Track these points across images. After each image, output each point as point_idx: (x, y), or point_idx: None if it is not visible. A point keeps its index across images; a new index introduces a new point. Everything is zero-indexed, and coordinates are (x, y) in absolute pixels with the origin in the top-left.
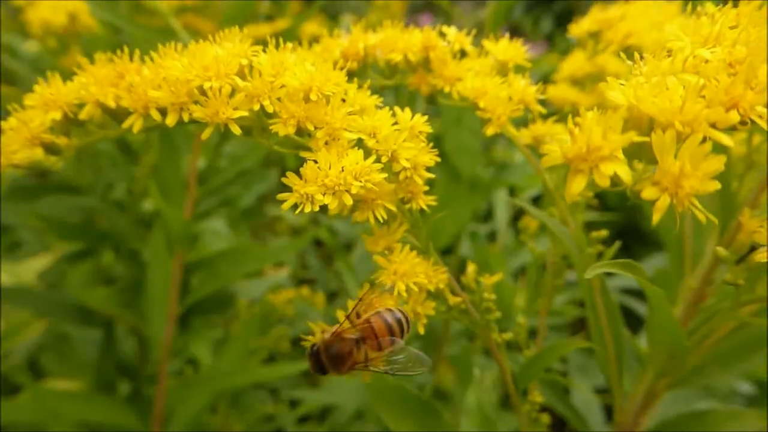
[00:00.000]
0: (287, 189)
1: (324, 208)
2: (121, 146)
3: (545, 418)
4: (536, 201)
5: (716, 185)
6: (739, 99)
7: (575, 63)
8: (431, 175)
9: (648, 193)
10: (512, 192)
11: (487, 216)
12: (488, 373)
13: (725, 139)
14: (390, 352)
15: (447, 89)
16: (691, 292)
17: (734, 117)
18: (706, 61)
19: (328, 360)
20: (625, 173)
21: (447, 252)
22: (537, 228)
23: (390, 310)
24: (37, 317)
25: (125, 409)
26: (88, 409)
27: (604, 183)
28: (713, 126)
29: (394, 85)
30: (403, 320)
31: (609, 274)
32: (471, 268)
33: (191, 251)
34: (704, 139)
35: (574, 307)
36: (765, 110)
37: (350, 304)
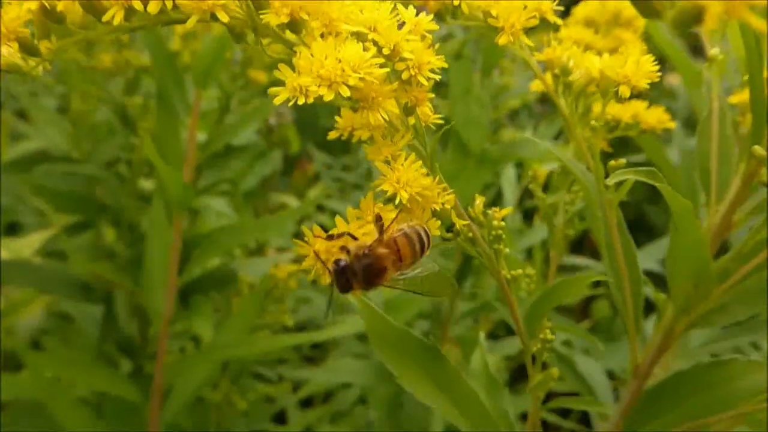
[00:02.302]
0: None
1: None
2: (120, 115)
3: (554, 371)
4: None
5: None
6: None
7: (590, 5)
8: (437, 77)
9: None
10: (521, 174)
11: (496, 201)
12: (493, 356)
13: None
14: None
15: (456, 2)
16: (716, 222)
17: None
18: None
19: (362, 274)
20: None
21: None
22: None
23: (413, 227)
24: (37, 292)
25: (126, 383)
26: (88, 379)
27: None
28: None
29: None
30: (425, 237)
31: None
32: (479, 200)
33: (192, 226)
34: None
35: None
36: None
37: (353, 213)
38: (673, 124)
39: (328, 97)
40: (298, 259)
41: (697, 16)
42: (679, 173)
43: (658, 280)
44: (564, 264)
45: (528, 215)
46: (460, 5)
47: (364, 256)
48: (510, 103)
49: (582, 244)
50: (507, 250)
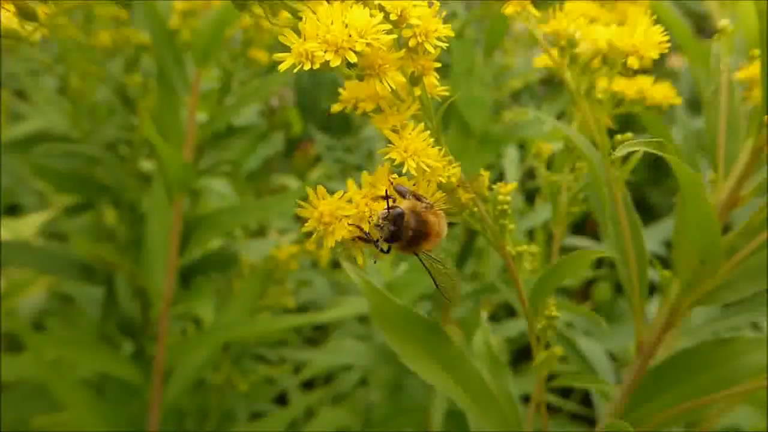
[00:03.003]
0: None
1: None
2: (120, 95)
3: (558, 350)
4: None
5: None
6: None
7: None
8: (444, 44)
9: None
10: (523, 155)
11: (498, 181)
12: (495, 337)
13: None
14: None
15: None
16: (724, 196)
17: None
18: None
19: (412, 231)
20: None
21: None
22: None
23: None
24: (38, 273)
25: (128, 364)
26: (90, 360)
27: None
28: None
29: None
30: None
31: None
32: (485, 174)
33: (193, 207)
34: None
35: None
36: None
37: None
38: (679, 101)
39: (335, 62)
40: (299, 240)
41: None
42: (683, 154)
43: (659, 261)
44: (565, 245)
45: (530, 196)
46: None
47: (419, 214)
48: (512, 84)
49: (583, 226)
50: (512, 225)
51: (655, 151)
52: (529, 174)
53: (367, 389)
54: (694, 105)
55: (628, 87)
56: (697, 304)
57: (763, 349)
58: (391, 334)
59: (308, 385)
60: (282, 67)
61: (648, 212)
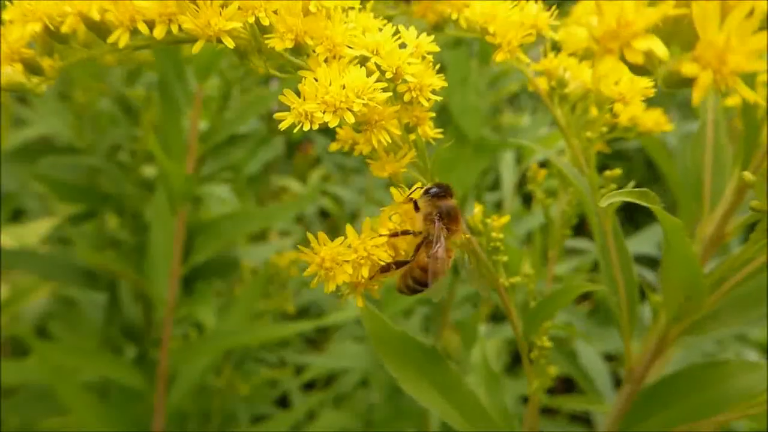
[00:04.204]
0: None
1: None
2: (122, 105)
3: (552, 370)
4: (543, 167)
5: (763, 65)
6: None
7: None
8: (438, 98)
9: (688, 68)
10: (519, 157)
11: (494, 186)
12: (493, 340)
13: None
14: None
15: (455, 16)
16: (709, 231)
17: None
18: None
19: (445, 208)
20: (660, 49)
21: None
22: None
23: None
24: (42, 280)
25: (131, 369)
26: (94, 366)
27: (637, 59)
28: None
29: (400, 14)
30: None
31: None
32: (478, 209)
33: (195, 213)
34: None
35: (580, 274)
36: None
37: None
38: (670, 127)
39: (333, 123)
40: (301, 242)
41: (686, 82)
42: (678, 158)
43: (656, 264)
44: (565, 247)
45: (527, 199)
46: (458, 18)
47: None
48: (509, 88)
49: (582, 227)
50: (505, 258)
51: (639, 202)
52: (527, 176)
53: (367, 390)
54: (688, 104)
55: (621, 114)
56: (685, 334)
57: (754, 371)
58: (389, 358)
59: (309, 386)
60: (282, 126)
61: (648, 213)
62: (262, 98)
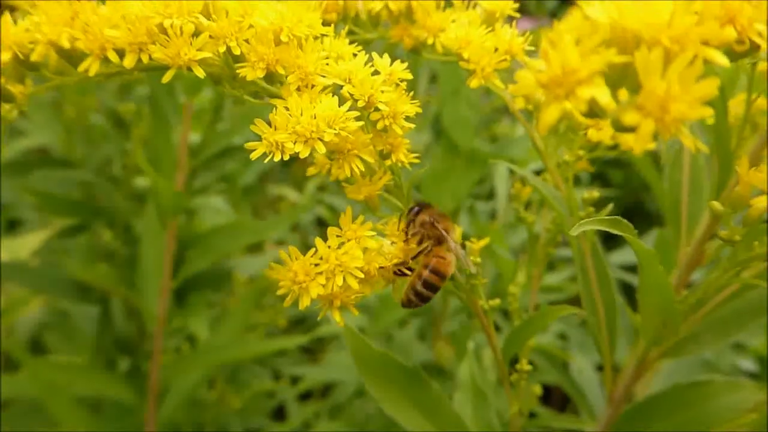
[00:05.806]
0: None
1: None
2: (113, 119)
3: (537, 389)
4: (537, 175)
5: (708, 111)
6: (736, 13)
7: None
8: (412, 125)
9: (630, 118)
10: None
11: (489, 196)
12: (486, 350)
13: (720, 58)
14: None
15: (430, 41)
16: (686, 256)
17: (730, 33)
18: None
19: (435, 215)
20: (604, 97)
21: None
22: (537, 204)
23: None
24: (34, 293)
25: (123, 383)
26: (86, 382)
27: (581, 108)
28: (706, 44)
29: (377, 38)
30: None
31: (608, 249)
32: (457, 231)
33: (188, 226)
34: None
35: (572, 283)
36: (765, 27)
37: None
38: (653, 145)
39: (304, 153)
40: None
41: (630, 129)
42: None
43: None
44: (554, 258)
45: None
46: (434, 43)
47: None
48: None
49: None
50: (485, 280)
51: (611, 230)
52: (522, 184)
53: (363, 400)
54: None
55: (603, 133)
56: (664, 357)
57: (736, 390)
58: (370, 379)
59: (306, 395)
60: (253, 156)
61: (646, 219)
62: (256, 109)
